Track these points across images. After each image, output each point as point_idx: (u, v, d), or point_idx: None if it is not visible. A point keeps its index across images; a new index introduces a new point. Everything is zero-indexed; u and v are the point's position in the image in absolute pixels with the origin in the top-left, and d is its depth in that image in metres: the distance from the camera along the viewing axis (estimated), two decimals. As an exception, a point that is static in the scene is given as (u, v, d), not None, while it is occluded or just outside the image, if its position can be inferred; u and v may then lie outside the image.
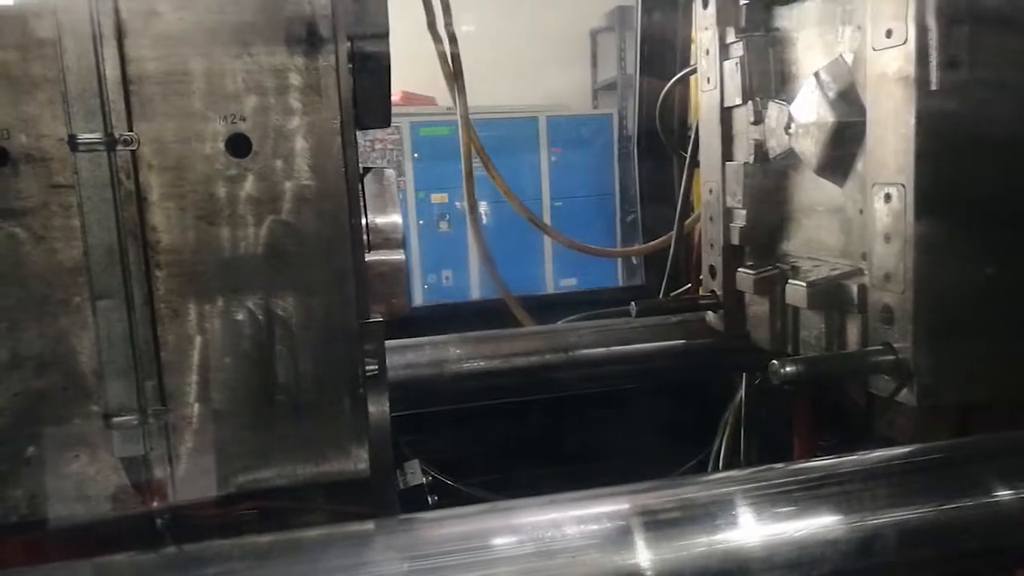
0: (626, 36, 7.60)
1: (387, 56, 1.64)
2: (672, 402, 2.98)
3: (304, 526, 1.52)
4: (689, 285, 2.96)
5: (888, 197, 1.80)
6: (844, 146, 1.96)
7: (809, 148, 2.04)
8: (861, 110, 1.89)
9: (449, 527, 1.52)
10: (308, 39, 1.45)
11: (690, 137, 2.89)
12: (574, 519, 1.50)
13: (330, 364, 1.54)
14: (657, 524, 1.49)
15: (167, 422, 1.49)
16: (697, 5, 2.53)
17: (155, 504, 1.50)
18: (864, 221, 1.92)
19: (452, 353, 2.54)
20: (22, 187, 1.39)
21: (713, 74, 2.44)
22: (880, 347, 1.84)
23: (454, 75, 2.91)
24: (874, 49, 1.80)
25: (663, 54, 3.39)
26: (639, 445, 2.87)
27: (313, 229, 1.50)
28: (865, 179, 1.90)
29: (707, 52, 2.48)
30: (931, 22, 1.66)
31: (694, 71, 2.75)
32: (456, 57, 2.89)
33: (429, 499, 2.20)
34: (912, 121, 1.71)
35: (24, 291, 1.42)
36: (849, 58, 1.95)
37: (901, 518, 1.54)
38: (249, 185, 1.47)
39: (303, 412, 1.55)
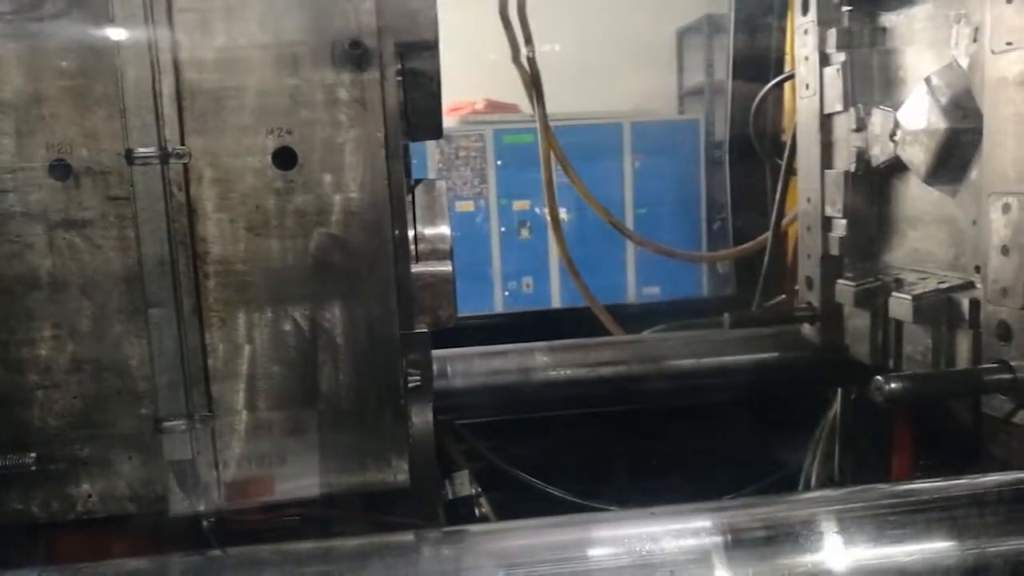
0: (714, 42, 7.48)
1: (437, 69, 1.66)
2: (762, 416, 2.90)
3: (345, 534, 1.54)
4: (783, 296, 2.88)
5: (1007, 207, 1.71)
6: (957, 154, 1.87)
7: (918, 156, 1.96)
8: (977, 116, 1.80)
9: (490, 543, 1.52)
10: (354, 55, 1.48)
11: (784, 144, 2.81)
12: (668, 533, 1.48)
13: (372, 375, 1.57)
14: (748, 543, 1.46)
15: (214, 428, 1.54)
16: (796, 10, 2.46)
17: (201, 507, 1.55)
18: (978, 232, 1.83)
19: (539, 361, 2.54)
20: (83, 199, 1.47)
21: (812, 80, 2.38)
22: (995, 365, 1.75)
23: (532, 80, 2.94)
24: (993, 52, 1.72)
25: (756, 60, 3.31)
26: (728, 459, 2.80)
27: (357, 240, 1.53)
28: (980, 188, 1.81)
29: (806, 58, 2.41)
30: (1058, 23, 1.57)
31: (790, 77, 2.68)
32: (533, 62, 2.91)
33: (477, 511, 2.19)
34: (1035, 127, 1.62)
35: (83, 298, 1.49)
36: (964, 62, 1.86)
37: (1017, 547, 1.46)
38: (295, 197, 1.51)
39: (344, 421, 1.58)
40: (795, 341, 2.53)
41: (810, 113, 2.41)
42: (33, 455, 1.49)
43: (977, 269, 1.85)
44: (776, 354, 2.55)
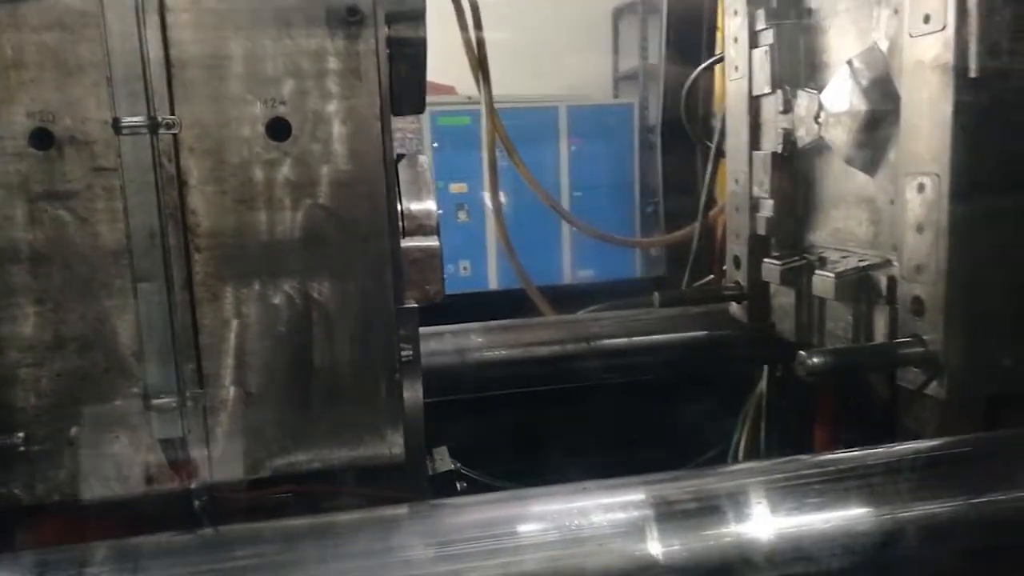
0: (648, 26, 7.55)
1: (424, 41, 1.62)
2: (692, 393, 2.96)
3: (338, 510, 1.52)
4: (712, 276, 2.94)
5: (921, 187, 1.78)
6: (876, 135, 1.93)
7: (840, 137, 2.02)
8: (895, 98, 1.86)
9: (479, 513, 1.52)
10: (348, 22, 1.45)
11: (715, 126, 2.86)
12: (599, 507, 1.50)
13: (366, 348, 1.54)
14: (678, 514, 1.48)
15: (205, 404, 1.49)
16: (726, -8, 2.50)
17: (192, 485, 1.51)
18: (895, 212, 1.89)
19: (474, 342, 2.54)
20: (67, 170, 1.40)
21: (741, 62, 2.42)
22: (910, 339, 1.82)
23: (479, 63, 2.91)
24: (911, 35, 1.77)
25: (689, 42, 3.36)
26: (659, 435, 2.85)
27: (351, 214, 1.50)
28: (897, 169, 1.87)
29: (735, 40, 2.45)
30: (972, 7, 1.62)
31: (721, 59, 2.72)
32: (481, 45, 2.88)
33: (458, 485, 2.19)
34: (949, 109, 1.68)
35: (68, 273, 1.43)
36: (884, 45, 1.92)
37: (927, 512, 1.53)
38: (288, 169, 1.47)
39: (339, 396, 1.55)
40: (723, 319, 2.59)
41: (739, 95, 2.46)
42: (21, 434, 1.43)
43: (894, 247, 1.92)
44: (705, 332, 2.61)
